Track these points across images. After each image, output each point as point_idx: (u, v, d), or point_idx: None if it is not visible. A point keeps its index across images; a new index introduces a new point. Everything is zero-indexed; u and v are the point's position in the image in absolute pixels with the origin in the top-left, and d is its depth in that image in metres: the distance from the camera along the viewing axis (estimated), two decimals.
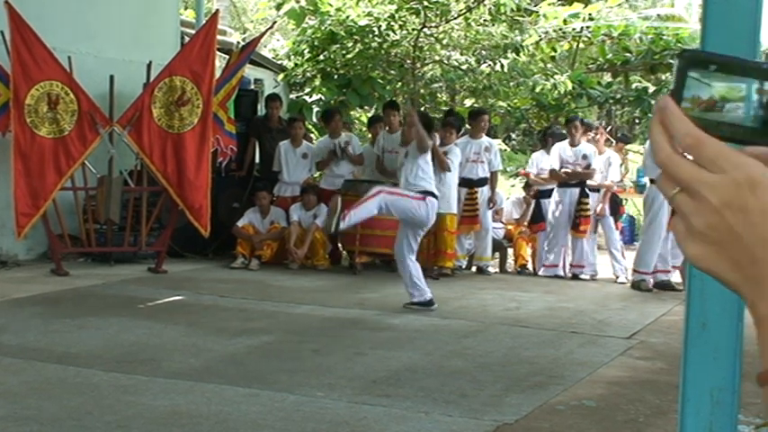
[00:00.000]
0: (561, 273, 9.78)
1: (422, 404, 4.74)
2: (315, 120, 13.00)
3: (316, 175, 10.79)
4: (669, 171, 0.71)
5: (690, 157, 0.70)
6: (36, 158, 8.47)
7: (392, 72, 12.93)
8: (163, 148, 8.95)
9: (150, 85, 9.01)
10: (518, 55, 13.02)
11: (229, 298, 7.77)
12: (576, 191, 9.69)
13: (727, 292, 0.74)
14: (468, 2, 12.15)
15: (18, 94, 8.37)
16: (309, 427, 4.32)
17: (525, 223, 10.42)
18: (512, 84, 12.99)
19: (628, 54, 13.90)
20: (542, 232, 10.01)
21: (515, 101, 14.15)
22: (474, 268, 10.09)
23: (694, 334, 2.76)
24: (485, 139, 10.03)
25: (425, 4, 11.65)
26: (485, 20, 12.48)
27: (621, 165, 11.21)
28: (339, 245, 10.13)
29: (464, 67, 12.80)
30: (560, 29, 13.39)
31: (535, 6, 13.34)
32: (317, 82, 12.94)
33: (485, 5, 12.20)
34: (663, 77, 14.06)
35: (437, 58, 12.94)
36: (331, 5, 12.57)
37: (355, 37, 12.29)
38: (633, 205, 13.66)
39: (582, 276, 9.73)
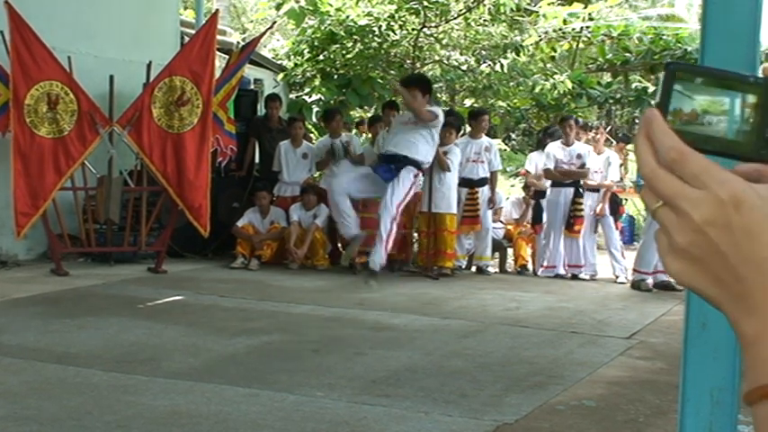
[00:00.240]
0: (561, 272, 9.78)
1: (422, 404, 4.74)
2: (315, 120, 13.00)
3: (316, 175, 10.80)
4: (652, 185, 0.70)
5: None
6: (35, 158, 8.47)
7: (392, 72, 12.93)
8: (163, 148, 8.95)
9: (150, 85, 9.01)
10: (518, 55, 13.02)
11: (229, 298, 7.77)
12: (571, 190, 9.69)
13: None
14: (467, 2, 12.15)
15: (18, 93, 8.37)
16: (309, 427, 4.32)
17: (525, 223, 10.42)
18: (511, 84, 12.99)
19: (627, 54, 13.89)
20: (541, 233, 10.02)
21: (515, 101, 14.15)
22: (474, 268, 10.09)
23: (694, 334, 2.76)
24: (485, 139, 10.03)
25: (425, 4, 11.65)
26: (484, 20, 12.48)
27: (621, 165, 11.20)
28: (339, 245, 10.13)
29: (464, 67, 12.81)
30: (560, 29, 13.39)
31: (535, 6, 13.33)
32: (317, 82, 12.94)
33: (484, 5, 12.20)
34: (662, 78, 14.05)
35: (437, 58, 12.94)
36: (331, 5, 12.57)
37: (355, 37, 12.29)
38: (633, 205, 13.66)
39: (582, 276, 9.73)
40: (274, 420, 4.39)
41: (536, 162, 10.24)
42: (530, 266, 10.18)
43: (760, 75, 0.72)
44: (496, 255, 10.37)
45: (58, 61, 8.59)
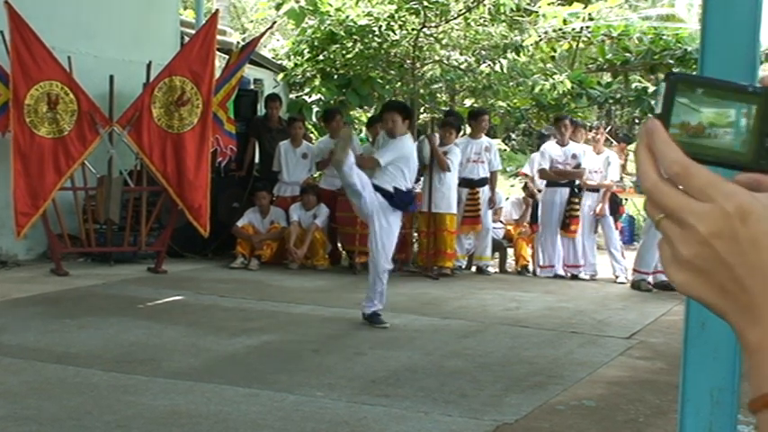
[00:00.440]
0: (560, 272, 9.78)
1: (421, 404, 4.74)
2: (315, 120, 13.00)
3: (315, 175, 10.79)
4: (655, 199, 0.70)
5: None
6: (35, 158, 8.47)
7: (392, 72, 12.92)
8: (162, 148, 8.95)
9: (150, 85, 9.01)
10: (518, 55, 13.01)
11: (229, 298, 7.77)
12: (567, 190, 9.69)
13: None
14: (467, 2, 12.14)
15: (17, 93, 8.37)
16: (309, 427, 4.32)
17: (525, 223, 10.43)
18: (511, 84, 12.98)
19: (627, 54, 13.88)
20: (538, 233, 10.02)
21: (515, 101, 14.14)
22: (474, 268, 10.09)
23: (694, 334, 2.76)
24: (484, 140, 10.04)
25: (425, 4, 11.63)
26: (484, 20, 12.46)
27: (623, 165, 11.20)
28: (339, 245, 10.13)
29: (464, 66, 12.80)
30: (560, 29, 13.38)
31: (535, 6, 13.33)
32: (317, 82, 12.93)
33: (484, 5, 12.19)
34: (662, 77, 14.04)
35: (437, 57, 12.93)
36: (330, 5, 12.56)
37: (355, 37, 12.27)
38: (633, 205, 13.66)
39: (582, 276, 9.73)
40: (274, 420, 4.39)
41: (538, 162, 10.21)
42: (530, 267, 10.18)
43: (758, 84, 0.72)
44: (496, 255, 10.37)
45: (57, 61, 8.59)
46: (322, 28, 12.47)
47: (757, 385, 0.69)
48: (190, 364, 5.46)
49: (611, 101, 14.47)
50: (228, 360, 5.61)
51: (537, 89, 12.76)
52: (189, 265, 9.64)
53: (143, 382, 4.99)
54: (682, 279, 0.70)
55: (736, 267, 0.68)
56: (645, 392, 5.15)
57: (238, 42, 13.04)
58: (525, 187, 11.04)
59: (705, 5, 2.76)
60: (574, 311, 7.70)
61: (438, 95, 14.02)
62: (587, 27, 13.52)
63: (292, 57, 13.39)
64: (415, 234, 10.24)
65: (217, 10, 10.96)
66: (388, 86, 12.97)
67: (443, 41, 12.70)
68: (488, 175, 9.88)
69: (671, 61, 13.18)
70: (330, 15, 12.46)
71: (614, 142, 13.57)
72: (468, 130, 10.45)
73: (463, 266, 10.03)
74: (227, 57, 10.12)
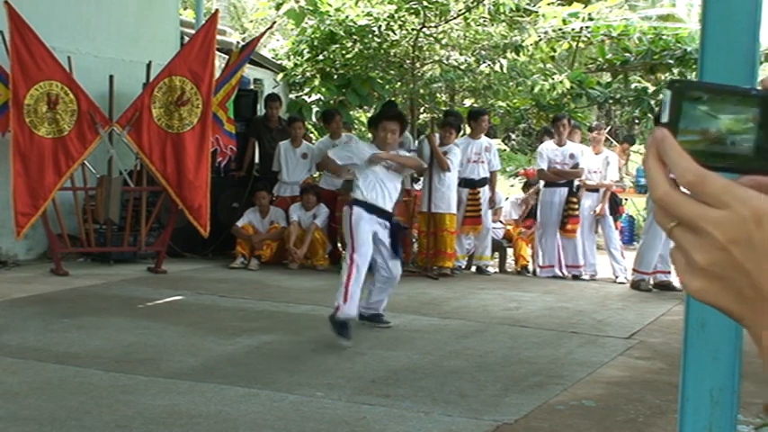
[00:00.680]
0: (559, 273, 9.78)
1: (421, 404, 4.74)
2: (314, 120, 13.00)
3: (315, 175, 10.80)
4: (669, 208, 0.70)
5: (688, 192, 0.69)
6: (35, 158, 8.47)
7: (391, 72, 12.92)
8: (162, 148, 8.95)
9: (150, 85, 9.01)
10: (517, 55, 13.02)
11: (229, 298, 7.77)
12: (565, 190, 9.69)
13: None
14: (467, 2, 12.14)
15: (17, 93, 8.37)
16: (309, 427, 4.32)
17: (525, 224, 10.45)
18: (511, 84, 12.98)
19: (627, 54, 13.89)
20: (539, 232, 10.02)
21: (515, 101, 14.15)
22: (474, 268, 10.09)
23: (694, 334, 2.76)
24: (484, 140, 10.04)
25: (425, 3, 11.63)
26: (484, 20, 12.47)
27: (624, 165, 11.19)
28: (339, 245, 10.13)
29: (463, 66, 12.80)
30: (560, 29, 13.38)
31: (534, 6, 13.32)
32: (317, 82, 12.94)
33: (484, 5, 12.18)
34: (662, 77, 14.05)
35: (436, 57, 12.93)
36: (330, 5, 12.56)
37: (354, 37, 12.28)
38: (633, 205, 13.67)
39: (582, 276, 9.73)
40: (274, 420, 4.39)
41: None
42: (530, 267, 10.18)
43: (758, 87, 0.72)
44: (496, 255, 10.38)
45: (57, 61, 8.59)
46: (322, 28, 12.47)
47: None
48: (189, 364, 5.46)
49: (610, 101, 14.47)
50: (228, 360, 5.61)
51: (537, 89, 12.76)
52: (189, 265, 9.64)
53: (143, 381, 5.00)
54: (698, 287, 0.70)
55: (753, 272, 0.68)
56: (645, 392, 5.16)
57: (238, 42, 13.04)
58: (526, 185, 11.04)
59: (705, 5, 2.76)
60: (574, 311, 7.70)
61: (438, 95, 14.01)
62: (587, 27, 13.52)
63: (292, 57, 13.39)
64: (415, 234, 10.24)
65: (217, 10, 10.95)
66: (387, 86, 12.97)
67: (443, 41, 12.70)
68: (488, 175, 9.89)
69: (671, 61, 13.18)
70: (330, 15, 12.46)
71: (614, 142, 13.57)
72: (468, 130, 10.45)
73: (463, 266, 10.03)
74: (227, 57, 10.12)
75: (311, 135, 12.11)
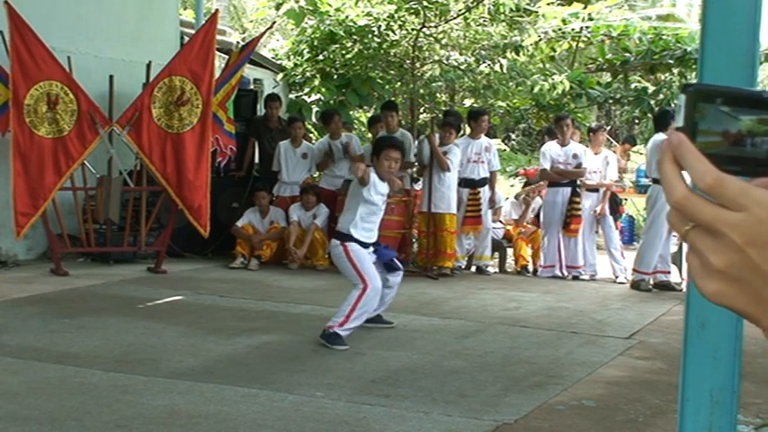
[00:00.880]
0: (558, 273, 9.78)
1: (421, 404, 4.74)
2: (314, 120, 13.00)
3: (315, 175, 10.80)
4: (687, 212, 0.70)
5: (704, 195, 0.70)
6: (35, 158, 8.47)
7: (391, 72, 12.93)
8: (162, 148, 8.95)
9: (150, 85, 9.01)
10: (517, 55, 13.02)
11: (229, 298, 7.77)
12: (568, 190, 9.69)
13: None
14: (467, 2, 12.15)
15: (17, 93, 8.37)
16: (308, 427, 4.32)
17: (525, 224, 10.44)
18: (511, 84, 12.98)
19: (627, 54, 13.89)
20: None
21: (515, 101, 14.15)
22: (474, 268, 10.09)
23: (693, 334, 2.76)
24: (484, 140, 10.04)
25: (424, 3, 11.64)
26: (484, 20, 12.47)
27: (626, 164, 11.18)
28: None
29: (463, 66, 12.80)
30: (560, 29, 13.38)
31: (534, 6, 13.33)
32: (317, 82, 12.94)
33: (484, 5, 12.19)
34: (662, 77, 14.05)
35: (436, 57, 12.94)
36: (330, 5, 12.56)
37: (354, 37, 12.28)
38: (633, 205, 13.66)
39: (582, 277, 9.73)
40: (274, 420, 4.39)
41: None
42: (530, 267, 10.19)
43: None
44: (496, 255, 10.38)
45: (57, 61, 8.59)
46: (321, 28, 12.47)
47: None
48: (189, 364, 5.46)
49: (610, 101, 14.47)
50: (228, 360, 5.61)
51: (536, 89, 12.76)
52: (189, 265, 9.64)
53: (142, 381, 5.00)
54: (714, 289, 0.70)
55: None
56: (644, 392, 5.15)
57: (238, 42, 13.04)
58: (527, 185, 11.03)
59: (705, 5, 2.76)
60: (574, 311, 7.70)
61: (438, 95, 14.02)
62: (587, 27, 13.52)
63: (292, 57, 13.40)
64: (415, 234, 10.24)
65: (217, 10, 10.95)
66: (387, 86, 12.98)
67: (443, 41, 12.71)
68: (488, 175, 9.89)
69: (671, 61, 13.18)
70: (330, 15, 12.47)
71: (614, 143, 13.57)
72: (468, 130, 10.45)
73: (463, 266, 10.03)
74: (227, 57, 10.12)
75: (311, 135, 12.11)
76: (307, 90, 13.28)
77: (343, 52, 12.46)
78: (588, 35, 13.76)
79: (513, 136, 23.28)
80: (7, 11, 8.26)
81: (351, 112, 13.41)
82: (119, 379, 5.04)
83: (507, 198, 11.47)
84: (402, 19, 12.03)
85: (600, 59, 14.55)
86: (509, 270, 10.38)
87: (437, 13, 12.08)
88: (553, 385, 5.23)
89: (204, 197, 8.98)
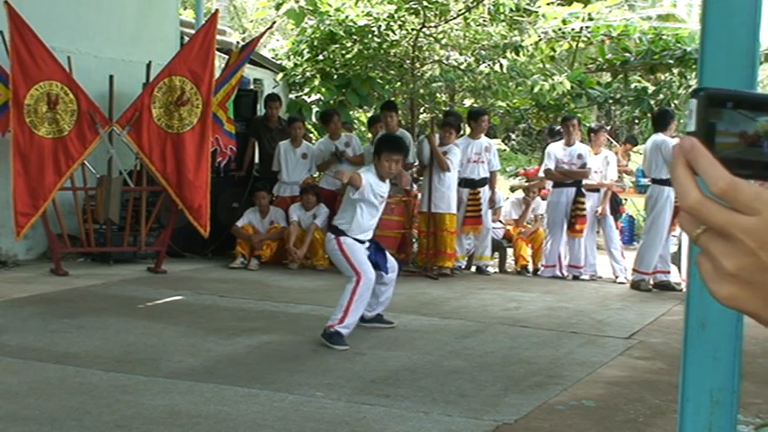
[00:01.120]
0: (559, 273, 9.78)
1: (421, 404, 4.74)
2: (314, 120, 13.00)
3: (315, 175, 10.79)
4: (701, 216, 0.70)
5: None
6: (35, 158, 8.47)
7: (391, 72, 12.93)
8: (162, 148, 8.95)
9: (150, 85, 9.01)
10: (517, 55, 13.02)
11: (229, 298, 7.77)
12: (573, 190, 9.69)
13: None
14: (467, 2, 12.15)
15: (17, 93, 8.37)
16: (308, 427, 4.32)
17: (525, 224, 10.44)
18: (511, 84, 12.98)
19: (627, 54, 13.89)
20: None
21: (514, 101, 14.15)
22: (474, 268, 10.09)
23: (694, 334, 2.76)
24: (484, 140, 10.04)
25: (424, 4, 11.65)
26: (484, 20, 12.48)
27: (626, 165, 11.18)
28: None
29: (463, 66, 12.81)
30: (559, 29, 13.39)
31: (534, 6, 13.33)
32: (317, 82, 12.94)
33: (484, 5, 12.20)
34: (662, 77, 14.06)
35: (436, 57, 12.94)
36: (330, 5, 12.57)
37: (354, 37, 12.29)
38: (633, 205, 13.66)
39: (582, 277, 9.73)
40: (274, 420, 4.39)
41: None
42: (530, 267, 10.18)
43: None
44: (496, 255, 10.38)
45: (57, 61, 8.59)
46: (321, 28, 12.48)
47: None
48: (189, 364, 5.46)
49: (610, 101, 14.48)
50: (228, 360, 5.61)
51: (536, 89, 12.76)
52: (188, 265, 9.64)
53: (142, 381, 5.00)
54: (726, 293, 0.71)
55: None
56: (644, 392, 5.15)
57: (238, 42, 13.04)
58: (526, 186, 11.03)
59: (705, 5, 2.76)
60: (574, 311, 7.70)
61: (438, 95, 14.02)
62: (587, 27, 13.52)
63: (292, 57, 13.40)
64: (415, 233, 10.24)
65: (216, 10, 10.95)
66: (387, 86, 12.98)
67: (443, 41, 12.71)
68: (488, 175, 9.89)
69: (671, 61, 13.18)
70: (330, 15, 12.47)
71: (614, 143, 13.57)
72: (468, 130, 10.45)
73: (463, 266, 10.03)
74: (226, 57, 10.12)
75: (311, 135, 12.11)
76: (307, 90, 13.28)
77: (343, 52, 12.46)
78: (588, 35, 13.76)
79: (513, 136, 23.29)
80: (7, 11, 8.26)
81: (351, 112, 13.41)
82: (119, 379, 5.04)
83: (507, 198, 11.48)
84: (402, 19, 12.03)
85: (600, 59, 14.55)
86: (509, 270, 10.38)
87: (437, 13, 12.09)
88: (553, 385, 5.23)
89: (204, 197, 8.98)
